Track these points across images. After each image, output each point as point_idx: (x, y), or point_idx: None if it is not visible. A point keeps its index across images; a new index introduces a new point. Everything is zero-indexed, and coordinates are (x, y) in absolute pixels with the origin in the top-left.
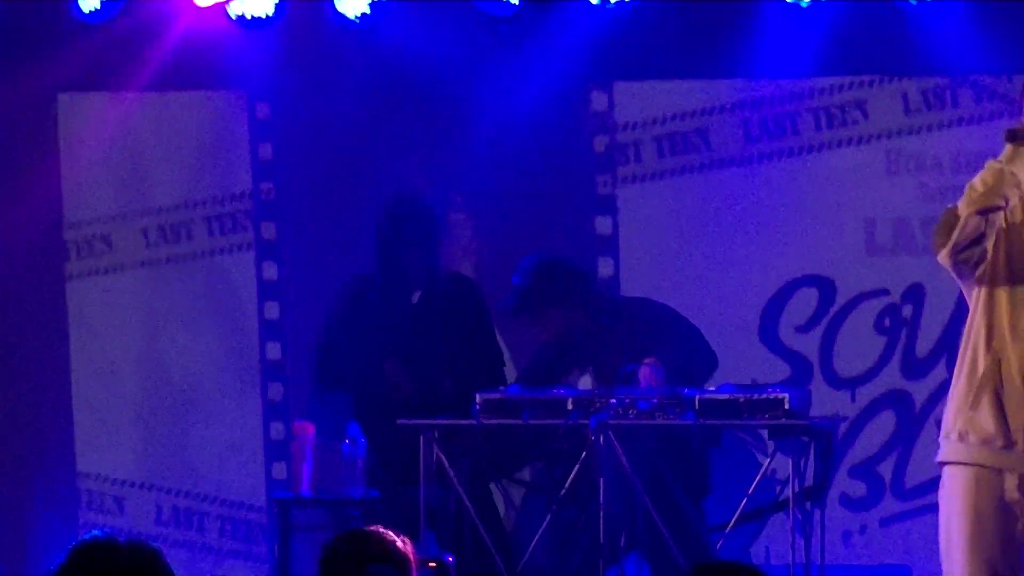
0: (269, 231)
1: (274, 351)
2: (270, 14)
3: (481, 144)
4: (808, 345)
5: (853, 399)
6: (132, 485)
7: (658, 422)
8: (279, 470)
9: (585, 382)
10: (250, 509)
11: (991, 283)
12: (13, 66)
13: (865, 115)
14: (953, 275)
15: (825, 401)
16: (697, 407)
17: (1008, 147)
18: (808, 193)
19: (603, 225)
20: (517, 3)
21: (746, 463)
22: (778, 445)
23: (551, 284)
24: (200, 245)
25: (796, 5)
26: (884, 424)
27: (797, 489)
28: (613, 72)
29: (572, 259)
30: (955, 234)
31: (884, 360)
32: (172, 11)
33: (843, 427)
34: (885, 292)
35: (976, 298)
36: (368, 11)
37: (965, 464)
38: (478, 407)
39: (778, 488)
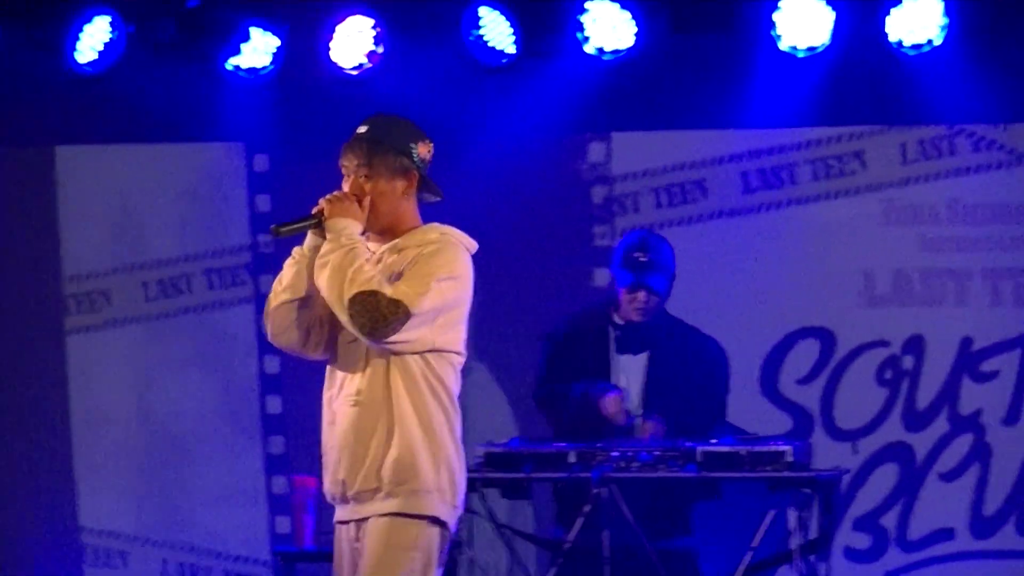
0: (268, 284)
1: (274, 404)
2: (268, 65)
3: (477, 195)
4: (809, 397)
5: (855, 451)
6: (135, 540)
7: (660, 475)
8: (282, 524)
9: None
10: (255, 563)
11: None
12: (11, 119)
13: (863, 165)
14: None
15: (827, 453)
16: (699, 459)
17: (308, 236)
18: (806, 244)
19: (601, 277)
20: (513, 53)
21: (749, 516)
22: (781, 498)
23: None
24: (199, 298)
25: (792, 56)
26: (886, 476)
27: (801, 542)
28: (611, 123)
29: None
30: (267, 326)
31: (885, 412)
32: (168, 62)
33: (845, 479)
34: (885, 343)
35: None
36: (365, 61)
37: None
38: (480, 461)
39: (782, 541)
